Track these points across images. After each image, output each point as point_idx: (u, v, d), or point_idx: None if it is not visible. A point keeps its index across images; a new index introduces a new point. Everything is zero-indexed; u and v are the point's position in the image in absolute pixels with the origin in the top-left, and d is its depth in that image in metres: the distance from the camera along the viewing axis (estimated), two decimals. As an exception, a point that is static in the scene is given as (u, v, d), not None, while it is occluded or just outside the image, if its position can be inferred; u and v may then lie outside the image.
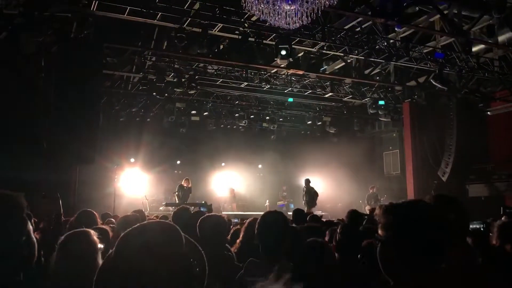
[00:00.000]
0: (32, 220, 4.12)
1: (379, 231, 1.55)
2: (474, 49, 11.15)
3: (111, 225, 5.09)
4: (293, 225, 4.23)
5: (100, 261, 2.36)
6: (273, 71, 13.54)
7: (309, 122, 18.45)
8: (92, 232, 2.48)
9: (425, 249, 1.45)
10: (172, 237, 1.30)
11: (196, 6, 9.26)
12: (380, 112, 14.98)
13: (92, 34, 9.31)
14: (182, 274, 1.24)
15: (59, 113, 9.49)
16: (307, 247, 2.47)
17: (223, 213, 11.81)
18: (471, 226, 3.02)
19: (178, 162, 18.34)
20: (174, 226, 1.34)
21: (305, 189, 14.72)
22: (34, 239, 1.53)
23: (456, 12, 9.67)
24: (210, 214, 3.52)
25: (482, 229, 3.36)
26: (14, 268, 1.45)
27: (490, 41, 10.61)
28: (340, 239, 3.22)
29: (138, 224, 1.35)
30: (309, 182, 14.82)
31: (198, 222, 3.26)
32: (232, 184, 17.69)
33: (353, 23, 10.58)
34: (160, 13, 9.11)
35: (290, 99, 16.18)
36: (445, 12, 9.67)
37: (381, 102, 14.85)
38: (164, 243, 1.26)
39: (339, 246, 3.22)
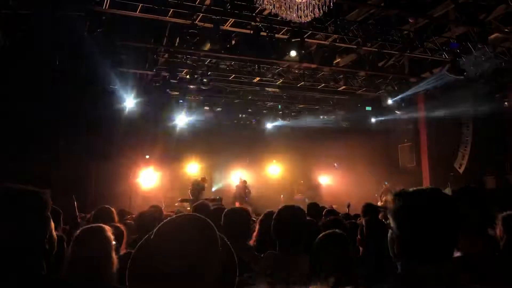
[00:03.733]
0: (61, 217, 4.20)
1: (389, 218, 1.54)
2: (490, 38, 10.95)
3: (128, 222, 5.13)
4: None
5: (115, 257, 2.40)
6: (285, 65, 13.49)
7: (323, 116, 18.35)
8: (107, 228, 2.51)
9: (431, 237, 1.43)
10: (207, 230, 1.35)
11: (207, 1, 9.26)
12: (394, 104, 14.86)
13: (105, 32, 9.37)
14: (215, 267, 1.29)
15: (75, 110, 9.62)
16: (323, 239, 2.47)
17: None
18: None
19: (192, 158, 18.42)
20: (208, 221, 1.38)
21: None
22: (55, 235, 1.61)
23: (471, 1, 9.50)
24: (234, 207, 3.59)
25: None
26: (38, 262, 1.54)
27: (506, 29, 10.41)
28: (365, 232, 3.22)
29: (177, 215, 1.42)
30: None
31: (224, 214, 3.32)
32: (243, 176, 17.69)
33: (366, 14, 10.47)
34: (171, 10, 9.12)
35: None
36: (460, 1, 9.50)
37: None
38: (199, 235, 1.31)
39: (364, 240, 3.23)
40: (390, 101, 14.89)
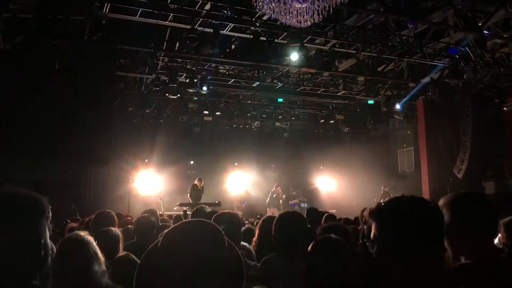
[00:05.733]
0: (49, 221, 4.18)
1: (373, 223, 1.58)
2: (489, 43, 10.99)
3: (129, 226, 5.11)
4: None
5: (102, 258, 2.40)
6: (285, 70, 13.50)
7: (322, 120, 18.38)
8: (82, 232, 2.52)
9: (412, 248, 1.45)
10: (215, 237, 1.35)
11: (207, 6, 9.28)
12: (394, 109, 14.88)
13: (105, 36, 9.39)
14: (223, 273, 1.28)
15: (74, 114, 9.61)
16: (317, 245, 2.45)
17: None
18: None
19: (192, 162, 18.42)
20: (217, 227, 1.38)
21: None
22: (49, 243, 1.56)
23: (470, 6, 9.53)
24: (224, 211, 3.49)
25: None
26: (32, 270, 1.48)
27: (505, 35, 10.45)
28: (364, 238, 3.20)
29: (184, 221, 1.43)
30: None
31: (212, 219, 3.25)
32: (246, 184, 17.73)
33: (365, 20, 10.50)
34: (171, 14, 9.15)
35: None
36: (459, 7, 9.54)
37: (370, 102, 15.39)
38: (208, 242, 1.31)
39: (364, 245, 3.21)
40: (389, 106, 14.90)
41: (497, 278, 1.84)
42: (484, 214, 2.00)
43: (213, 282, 1.25)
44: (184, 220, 1.44)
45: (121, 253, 3.35)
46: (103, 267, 2.39)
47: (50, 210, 1.56)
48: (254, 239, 3.54)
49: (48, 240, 1.55)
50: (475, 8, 9.59)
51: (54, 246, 3.26)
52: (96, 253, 2.41)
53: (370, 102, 15.61)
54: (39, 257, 1.48)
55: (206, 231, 1.35)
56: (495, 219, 2.14)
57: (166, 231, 1.34)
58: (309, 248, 2.44)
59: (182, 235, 1.32)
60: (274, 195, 16.01)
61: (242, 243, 3.42)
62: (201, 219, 1.46)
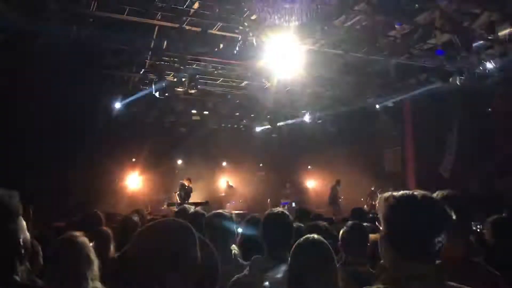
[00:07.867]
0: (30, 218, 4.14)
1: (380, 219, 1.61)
2: (475, 45, 11.11)
3: (114, 225, 5.08)
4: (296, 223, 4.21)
5: (95, 259, 2.39)
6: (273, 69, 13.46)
7: (310, 121, 18.42)
8: (77, 233, 2.50)
9: (412, 240, 1.48)
10: (185, 234, 1.35)
11: (196, 5, 9.24)
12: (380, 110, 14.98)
13: (91, 34, 9.30)
14: (193, 270, 1.30)
15: (59, 114, 9.51)
16: (299, 245, 2.45)
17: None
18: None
19: (179, 161, 18.35)
20: (187, 224, 1.37)
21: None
22: (28, 237, 1.56)
23: (456, 8, 9.64)
24: (217, 211, 3.39)
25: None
26: (13, 266, 1.48)
27: (490, 37, 10.58)
28: (346, 237, 3.22)
29: (157, 221, 1.43)
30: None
31: (205, 219, 3.23)
32: (230, 181, 17.75)
33: (353, 20, 10.54)
34: (159, 13, 9.10)
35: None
36: (445, 9, 9.62)
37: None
38: (177, 240, 1.32)
39: (344, 244, 3.23)
40: (377, 106, 15.01)
41: (471, 275, 1.87)
42: (459, 214, 2.05)
43: (184, 279, 1.26)
44: (157, 220, 1.45)
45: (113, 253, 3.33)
46: (95, 270, 2.37)
47: (22, 208, 1.55)
48: (238, 240, 3.53)
49: (28, 238, 1.55)
50: (460, 10, 9.69)
51: (39, 247, 3.23)
52: (89, 256, 2.38)
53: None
54: (19, 254, 1.48)
55: (176, 230, 1.35)
56: (470, 221, 2.21)
57: (139, 229, 1.35)
58: (293, 247, 2.44)
59: (152, 233, 1.32)
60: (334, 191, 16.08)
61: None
62: (173, 218, 1.48)
